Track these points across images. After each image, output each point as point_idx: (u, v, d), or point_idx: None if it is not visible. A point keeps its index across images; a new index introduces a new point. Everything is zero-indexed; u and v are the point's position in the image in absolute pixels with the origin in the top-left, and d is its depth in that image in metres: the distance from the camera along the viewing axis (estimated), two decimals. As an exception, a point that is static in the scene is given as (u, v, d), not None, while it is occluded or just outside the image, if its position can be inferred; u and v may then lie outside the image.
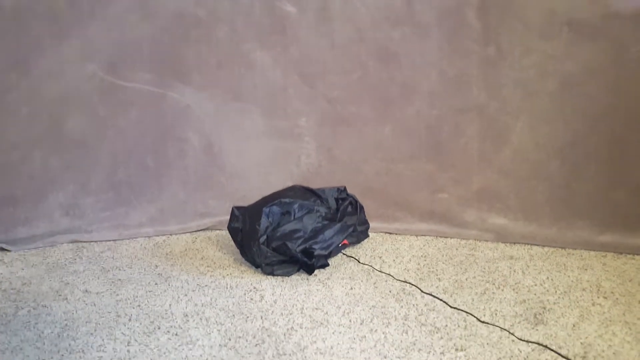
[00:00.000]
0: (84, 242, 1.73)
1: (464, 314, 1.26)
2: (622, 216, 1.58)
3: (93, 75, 1.71)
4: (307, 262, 1.47)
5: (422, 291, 1.32)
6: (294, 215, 1.57)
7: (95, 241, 1.73)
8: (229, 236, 1.61)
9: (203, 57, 1.75)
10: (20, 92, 1.67)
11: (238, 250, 1.59)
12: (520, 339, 1.16)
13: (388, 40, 1.72)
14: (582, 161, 1.61)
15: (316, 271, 1.50)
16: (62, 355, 1.13)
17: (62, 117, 1.71)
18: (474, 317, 1.25)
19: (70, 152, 1.73)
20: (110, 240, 1.74)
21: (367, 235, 1.70)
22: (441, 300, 1.33)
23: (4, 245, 1.68)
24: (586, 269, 1.48)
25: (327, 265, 1.52)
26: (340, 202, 1.69)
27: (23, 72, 1.66)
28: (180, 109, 1.78)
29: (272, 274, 1.48)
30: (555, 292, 1.36)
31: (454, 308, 1.29)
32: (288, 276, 1.48)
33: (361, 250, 1.64)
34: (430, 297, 1.34)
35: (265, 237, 1.50)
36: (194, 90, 1.77)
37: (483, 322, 1.23)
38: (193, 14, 1.72)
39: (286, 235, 1.52)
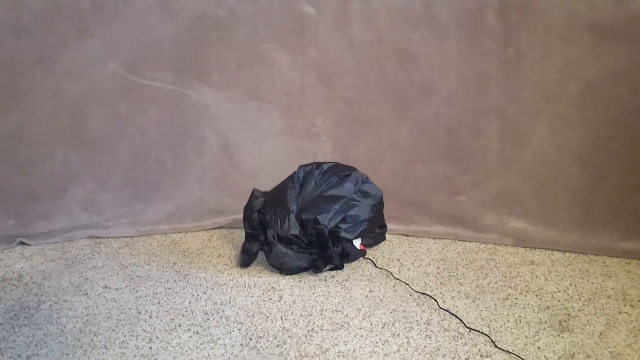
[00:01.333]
0: (102, 237, 1.69)
1: (487, 320, 1.20)
2: (646, 222, 1.51)
3: (115, 74, 1.68)
4: (327, 246, 1.42)
5: (439, 306, 1.25)
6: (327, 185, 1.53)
7: (113, 237, 1.69)
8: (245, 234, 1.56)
9: (223, 58, 1.71)
10: (44, 90, 1.64)
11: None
12: (545, 347, 1.10)
13: (407, 41, 1.66)
14: (605, 166, 1.54)
15: (334, 271, 1.44)
16: (85, 350, 1.09)
17: (84, 115, 1.68)
18: (496, 323, 1.19)
19: (91, 149, 1.70)
20: (127, 237, 1.70)
21: (384, 238, 1.64)
22: (457, 317, 1.26)
23: (24, 240, 1.64)
24: (610, 276, 1.40)
25: (341, 268, 1.46)
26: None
27: (47, 70, 1.63)
28: (200, 108, 1.73)
29: (281, 266, 1.42)
30: (580, 299, 1.29)
31: (470, 329, 1.21)
32: (296, 273, 1.42)
33: (378, 252, 1.58)
34: (452, 302, 1.28)
35: (295, 206, 1.46)
36: (214, 90, 1.73)
37: (506, 329, 1.17)
38: (214, 15, 1.68)
39: (319, 203, 1.48)
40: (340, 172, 1.60)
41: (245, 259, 1.48)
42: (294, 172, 1.60)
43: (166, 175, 1.74)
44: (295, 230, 1.44)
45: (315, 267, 1.44)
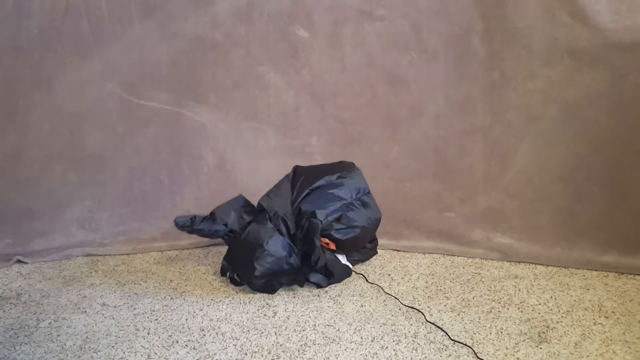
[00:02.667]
0: (99, 255, 1.79)
1: (470, 333, 1.31)
2: (623, 237, 1.64)
3: (112, 94, 1.79)
4: (314, 243, 1.50)
5: (426, 319, 1.37)
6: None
7: (110, 255, 1.79)
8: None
9: (219, 79, 1.83)
10: (43, 110, 1.74)
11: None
12: (524, 357, 1.21)
13: (396, 65, 1.80)
14: (584, 184, 1.68)
15: (327, 287, 1.55)
16: (85, 367, 1.18)
17: (82, 134, 1.79)
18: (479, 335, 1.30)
19: (89, 168, 1.80)
20: (124, 254, 1.79)
21: (376, 252, 1.76)
22: (442, 330, 1.37)
23: (21, 258, 1.73)
24: (588, 289, 1.53)
25: (324, 286, 1.54)
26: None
27: (46, 90, 1.74)
28: (196, 127, 1.85)
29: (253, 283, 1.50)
30: (559, 311, 1.41)
31: (455, 341, 1.33)
32: (274, 291, 1.51)
33: (370, 267, 1.69)
34: (439, 315, 1.39)
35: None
36: (210, 110, 1.85)
37: (487, 340, 1.28)
38: (210, 37, 1.80)
39: (320, 200, 1.57)
40: (343, 170, 1.69)
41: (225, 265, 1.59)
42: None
43: (163, 193, 1.85)
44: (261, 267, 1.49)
45: (297, 280, 1.52)
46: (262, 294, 1.51)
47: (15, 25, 1.68)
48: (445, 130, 1.80)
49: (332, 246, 1.59)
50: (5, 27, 1.68)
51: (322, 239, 1.57)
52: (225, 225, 1.59)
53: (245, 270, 1.52)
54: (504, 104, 1.73)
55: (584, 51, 1.62)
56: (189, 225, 1.57)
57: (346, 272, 1.61)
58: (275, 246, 1.52)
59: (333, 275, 1.56)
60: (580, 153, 1.67)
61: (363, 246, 1.71)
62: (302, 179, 1.65)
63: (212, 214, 1.60)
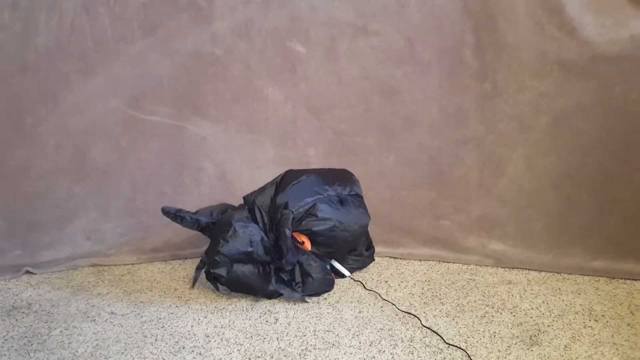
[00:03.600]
0: (104, 265, 1.88)
1: (465, 336, 1.40)
2: (613, 243, 1.73)
3: (116, 109, 1.89)
4: (284, 234, 1.56)
5: (422, 324, 1.45)
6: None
7: (115, 265, 1.88)
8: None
9: (219, 93, 1.93)
10: (49, 125, 1.84)
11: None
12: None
13: (391, 77, 1.90)
14: (575, 191, 1.77)
15: (326, 293, 1.64)
16: (96, 373, 1.27)
17: (87, 148, 1.88)
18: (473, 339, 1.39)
19: (93, 181, 1.89)
20: (129, 264, 1.89)
21: (373, 259, 1.85)
22: (437, 334, 1.46)
23: (29, 269, 1.82)
24: (579, 293, 1.62)
25: (298, 297, 1.59)
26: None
27: (52, 107, 1.84)
28: (197, 140, 1.95)
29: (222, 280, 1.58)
30: (550, 315, 1.50)
31: (449, 344, 1.42)
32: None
33: (368, 274, 1.78)
34: (434, 320, 1.48)
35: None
36: (210, 123, 1.95)
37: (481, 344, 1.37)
38: (210, 53, 1.91)
39: (297, 193, 1.66)
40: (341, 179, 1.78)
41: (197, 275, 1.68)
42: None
43: (166, 204, 1.92)
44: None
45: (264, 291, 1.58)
46: (264, 301, 1.60)
47: (23, 45, 1.78)
48: (440, 140, 1.89)
49: (307, 245, 1.65)
50: (14, 47, 1.78)
51: (297, 236, 1.64)
52: (210, 215, 1.70)
53: (212, 249, 1.60)
54: (496, 115, 1.83)
55: (572, 63, 1.72)
56: (173, 212, 1.69)
57: (327, 283, 1.64)
58: (245, 228, 1.60)
59: (311, 276, 1.60)
60: (570, 161, 1.77)
61: (347, 249, 1.74)
62: (287, 177, 1.75)
63: (197, 210, 1.74)
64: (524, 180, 1.82)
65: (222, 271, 1.58)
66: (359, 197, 1.77)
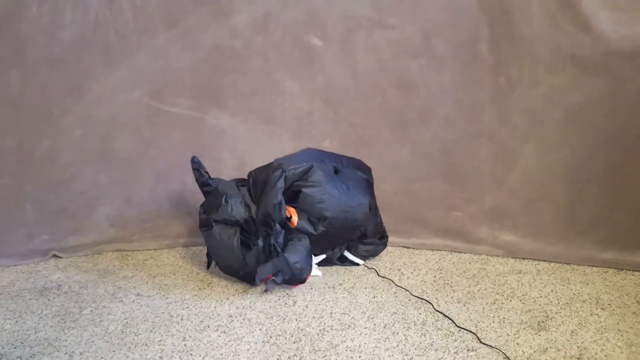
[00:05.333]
0: (128, 250, 2.01)
1: (475, 321, 1.50)
2: (622, 235, 1.81)
3: (139, 101, 2.00)
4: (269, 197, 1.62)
5: (434, 309, 1.56)
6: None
7: (138, 250, 2.01)
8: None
9: (238, 85, 2.03)
10: (75, 116, 1.96)
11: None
12: (523, 343, 1.40)
13: (406, 70, 1.98)
14: (585, 184, 1.85)
15: (341, 280, 1.75)
16: (129, 348, 1.39)
17: (111, 138, 2.00)
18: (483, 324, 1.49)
19: (117, 170, 2.01)
20: (151, 250, 2.01)
21: (385, 246, 1.93)
22: (449, 318, 1.56)
23: (56, 253, 1.96)
24: (588, 284, 1.71)
25: (256, 283, 1.64)
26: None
27: (77, 98, 1.96)
28: (217, 132, 2.06)
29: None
30: (558, 303, 1.60)
31: (460, 327, 1.52)
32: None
33: (381, 262, 1.89)
34: (446, 306, 1.58)
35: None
36: (230, 115, 2.05)
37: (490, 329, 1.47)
38: (229, 46, 2.01)
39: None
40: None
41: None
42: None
43: (186, 193, 2.06)
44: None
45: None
46: (281, 286, 1.71)
47: (50, 38, 1.90)
48: (453, 133, 1.98)
49: (294, 220, 1.68)
50: (41, 40, 1.89)
51: (288, 209, 1.69)
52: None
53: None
54: (510, 108, 1.91)
55: (585, 58, 1.79)
56: (198, 165, 1.80)
57: (305, 268, 1.64)
58: (231, 198, 1.72)
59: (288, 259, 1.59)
60: (581, 155, 1.85)
61: (341, 233, 1.77)
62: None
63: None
64: (536, 173, 1.91)
65: (206, 235, 1.72)
66: (367, 182, 1.86)
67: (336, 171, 1.81)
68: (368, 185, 1.88)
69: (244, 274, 1.69)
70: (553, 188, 1.89)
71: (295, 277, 1.65)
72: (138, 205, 2.04)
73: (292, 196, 1.75)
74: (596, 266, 1.81)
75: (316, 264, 1.79)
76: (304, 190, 1.73)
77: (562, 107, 1.84)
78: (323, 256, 1.81)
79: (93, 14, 1.93)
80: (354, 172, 1.86)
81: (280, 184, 1.67)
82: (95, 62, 1.96)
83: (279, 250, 1.62)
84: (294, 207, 1.74)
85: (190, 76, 2.01)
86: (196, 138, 2.04)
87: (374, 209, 1.87)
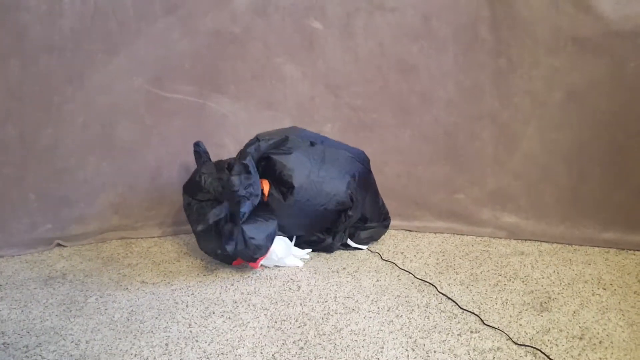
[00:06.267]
0: (132, 238, 1.98)
1: (478, 303, 1.49)
2: (624, 215, 1.79)
3: (140, 88, 1.96)
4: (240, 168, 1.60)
5: (438, 291, 1.54)
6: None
7: (142, 237, 1.98)
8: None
9: (238, 71, 1.99)
10: (76, 104, 1.92)
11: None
12: (526, 324, 1.39)
13: (407, 53, 1.94)
14: (587, 165, 1.82)
15: (344, 264, 1.73)
16: (135, 335, 1.38)
17: (113, 126, 1.96)
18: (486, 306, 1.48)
19: (120, 157, 1.98)
20: (155, 237, 1.99)
21: (385, 229, 1.91)
22: (452, 300, 1.54)
23: (60, 241, 1.93)
24: (589, 264, 1.69)
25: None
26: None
27: (78, 86, 1.91)
28: (218, 117, 2.02)
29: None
30: (560, 283, 1.58)
31: (463, 309, 1.50)
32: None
33: (384, 246, 1.86)
34: (449, 288, 1.56)
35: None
36: (230, 101, 2.01)
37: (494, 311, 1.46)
38: (229, 31, 1.95)
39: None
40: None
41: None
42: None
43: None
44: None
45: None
46: (286, 270, 1.69)
47: (49, 26, 1.84)
48: (455, 116, 1.94)
49: (265, 190, 1.65)
50: (40, 28, 1.84)
51: (261, 181, 1.65)
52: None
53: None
54: (511, 90, 1.87)
55: (586, 39, 1.74)
56: (199, 150, 1.82)
57: (261, 248, 1.59)
58: (209, 167, 1.74)
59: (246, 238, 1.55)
60: (583, 136, 1.81)
61: (309, 212, 1.70)
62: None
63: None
64: (538, 154, 1.88)
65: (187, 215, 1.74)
66: (352, 161, 1.80)
67: (312, 144, 1.77)
68: (353, 163, 1.80)
69: (221, 254, 1.66)
70: (555, 169, 1.86)
71: (247, 253, 1.58)
72: (141, 192, 2.01)
73: (266, 167, 1.72)
74: (598, 246, 1.79)
75: (302, 256, 1.77)
76: (272, 156, 1.70)
77: (563, 88, 1.81)
78: (308, 250, 1.79)
79: (92, 1, 1.87)
80: (339, 151, 1.81)
81: (251, 149, 1.68)
82: (95, 50, 1.91)
83: (240, 218, 1.58)
84: (267, 179, 1.71)
85: (191, 62, 1.97)
86: (197, 124, 2.01)
87: (362, 189, 1.81)
